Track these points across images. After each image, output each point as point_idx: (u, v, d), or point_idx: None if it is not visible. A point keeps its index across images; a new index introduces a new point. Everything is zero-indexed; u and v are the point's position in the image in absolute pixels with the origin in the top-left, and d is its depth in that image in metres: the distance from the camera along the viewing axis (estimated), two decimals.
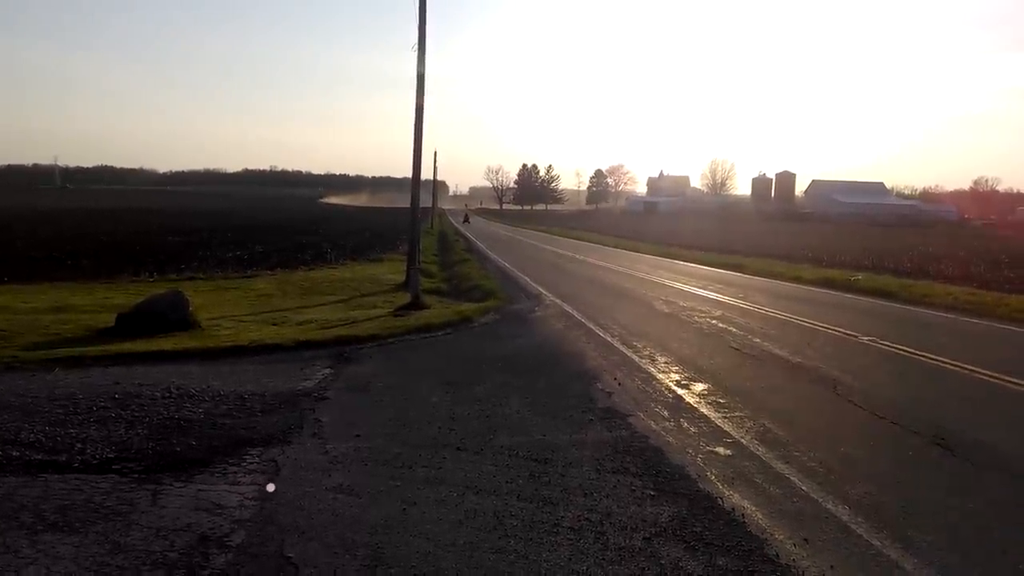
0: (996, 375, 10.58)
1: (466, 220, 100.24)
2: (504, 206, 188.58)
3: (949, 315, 17.68)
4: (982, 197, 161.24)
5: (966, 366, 11.18)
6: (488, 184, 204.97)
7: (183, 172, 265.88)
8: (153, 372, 10.00)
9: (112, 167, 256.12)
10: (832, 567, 4.95)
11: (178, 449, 6.97)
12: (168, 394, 8.78)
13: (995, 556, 5.17)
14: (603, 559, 5.01)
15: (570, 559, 5.00)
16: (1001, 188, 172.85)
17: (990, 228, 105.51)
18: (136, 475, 6.34)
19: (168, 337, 12.62)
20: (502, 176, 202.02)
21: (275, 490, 6.10)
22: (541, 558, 5.01)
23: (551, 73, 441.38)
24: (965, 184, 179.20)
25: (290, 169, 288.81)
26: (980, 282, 24.84)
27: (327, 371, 10.52)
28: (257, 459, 6.83)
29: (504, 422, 8.19)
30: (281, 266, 28.80)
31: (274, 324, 14.93)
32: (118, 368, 10.21)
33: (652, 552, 5.12)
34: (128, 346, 11.68)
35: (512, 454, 7.11)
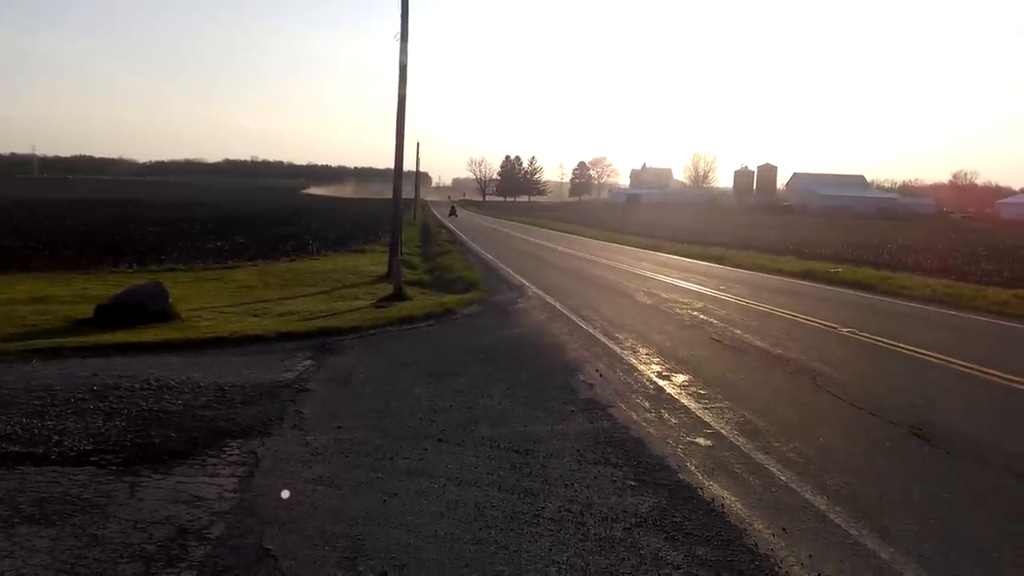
0: (973, 366, 10.70)
1: (452, 213, 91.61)
2: (487, 198, 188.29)
3: (927, 307, 17.87)
4: (961, 190, 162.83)
5: (944, 357, 11.30)
6: (471, 175, 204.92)
7: (163, 162, 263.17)
8: (132, 364, 9.91)
9: (91, 156, 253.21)
10: (810, 556, 4.99)
11: (157, 441, 6.92)
12: (147, 386, 8.71)
13: (971, 544, 5.23)
14: (584, 549, 5.02)
15: (551, 550, 5.02)
16: (980, 181, 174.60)
17: (968, 221, 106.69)
18: (114, 467, 6.28)
19: (148, 328, 12.51)
20: (485, 168, 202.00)
21: (255, 482, 6.07)
22: (522, 549, 5.02)
23: (535, 65, 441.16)
24: (944, 177, 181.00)
25: (271, 160, 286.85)
26: (958, 274, 25.11)
27: (308, 362, 10.47)
28: (237, 451, 6.79)
29: (486, 413, 8.19)
30: (262, 257, 28.61)
31: (255, 315, 14.84)
32: (97, 359, 10.12)
33: (632, 542, 5.14)
34: (107, 337, 11.57)
35: (494, 445, 7.12)
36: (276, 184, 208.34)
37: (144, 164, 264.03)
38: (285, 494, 5.88)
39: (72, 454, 6.53)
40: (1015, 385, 9.72)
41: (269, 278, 22.33)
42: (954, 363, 10.95)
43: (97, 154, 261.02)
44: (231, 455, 6.69)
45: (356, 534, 5.18)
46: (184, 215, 55.79)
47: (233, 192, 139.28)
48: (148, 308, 13.37)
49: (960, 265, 28.33)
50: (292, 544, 5.02)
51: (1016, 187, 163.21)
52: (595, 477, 6.35)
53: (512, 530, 5.30)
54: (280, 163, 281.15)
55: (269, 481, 6.10)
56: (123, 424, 7.35)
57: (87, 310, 13.60)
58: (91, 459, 6.44)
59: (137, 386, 8.67)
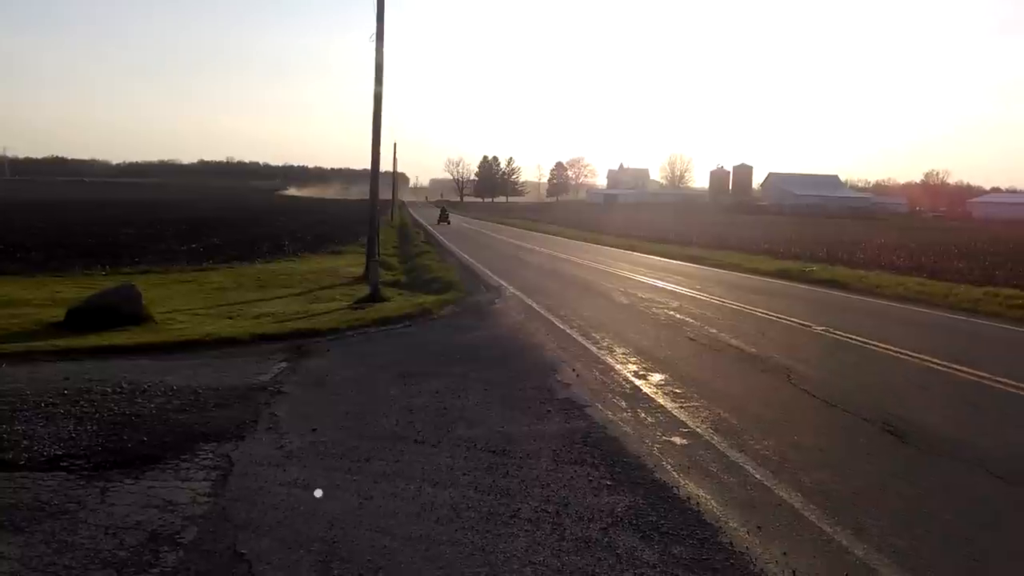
0: (945, 363, 10.83)
1: (443, 219, 70.47)
2: (465, 198, 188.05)
3: (900, 305, 18.08)
4: (933, 190, 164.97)
5: (916, 354, 11.43)
6: (449, 176, 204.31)
7: (137, 163, 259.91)
8: (104, 367, 9.79)
9: (63, 158, 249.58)
10: (785, 554, 5.02)
11: (129, 445, 6.84)
12: (119, 389, 8.60)
13: (942, 539, 5.29)
14: (560, 549, 5.02)
15: (527, 550, 5.01)
16: (951, 181, 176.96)
17: (940, 220, 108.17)
18: (85, 472, 6.20)
19: (120, 331, 12.36)
20: (463, 168, 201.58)
21: (229, 486, 6.01)
22: (498, 549, 5.01)
23: (512, 66, 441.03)
24: (916, 177, 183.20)
25: (247, 160, 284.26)
26: (930, 273, 25.40)
27: (283, 365, 10.40)
28: (211, 455, 6.73)
29: (462, 414, 8.18)
30: (237, 259, 28.38)
31: (229, 318, 14.71)
32: (68, 363, 9.98)
33: (608, 542, 5.15)
34: (78, 341, 11.41)
35: (470, 446, 7.10)
36: (253, 185, 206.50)
37: (118, 165, 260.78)
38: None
39: (42, 459, 6.44)
40: (985, 381, 9.85)
41: (244, 280, 22.15)
42: (926, 360, 11.08)
43: (70, 155, 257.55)
44: (204, 459, 6.62)
45: (331, 537, 5.14)
46: (158, 217, 55.21)
47: (208, 193, 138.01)
48: (121, 311, 13.21)
49: (932, 263, 28.68)
50: (266, 548, 4.97)
51: (987, 187, 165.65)
52: (571, 477, 6.36)
53: (488, 531, 5.29)
54: (256, 164, 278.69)
55: (243, 485, 6.05)
56: (94, 428, 7.25)
57: (59, 313, 13.42)
58: (62, 464, 6.35)
59: (109, 390, 8.56)
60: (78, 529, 5.17)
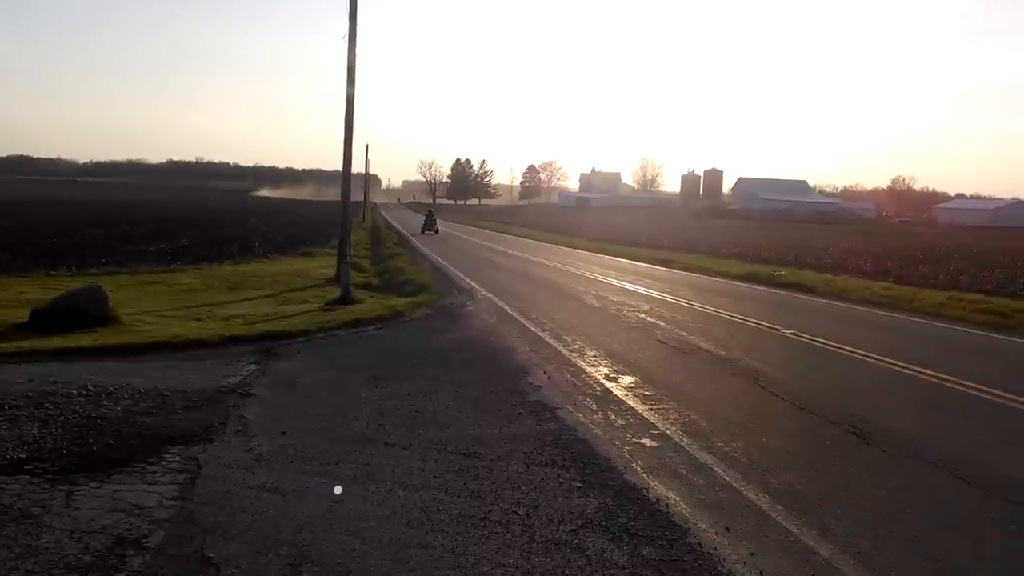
0: (909, 366, 11.02)
1: (429, 227, 56.03)
2: (437, 200, 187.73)
3: (866, 309, 18.35)
4: (899, 195, 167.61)
5: (881, 357, 11.61)
6: (421, 178, 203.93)
7: (104, 163, 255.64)
8: (69, 369, 9.64)
9: (28, 156, 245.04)
10: (752, 554, 5.08)
11: (95, 448, 6.75)
12: (85, 392, 8.48)
13: (905, 539, 5.39)
14: (530, 551, 5.04)
15: (497, 552, 5.02)
16: (917, 187, 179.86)
17: (906, 225, 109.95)
18: (49, 476, 6.11)
19: (86, 333, 12.18)
20: (435, 170, 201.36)
21: (196, 489, 5.95)
22: (468, 552, 5.01)
23: (486, 69, 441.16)
24: (883, 182, 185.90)
25: (217, 161, 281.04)
26: (896, 277, 25.82)
27: (253, 367, 10.31)
28: (178, 458, 6.66)
29: (433, 417, 8.17)
30: (207, 260, 28.07)
31: (198, 319, 14.56)
32: (32, 365, 9.82)
33: (578, 544, 5.18)
34: (43, 342, 11.23)
35: (441, 449, 7.10)
36: (223, 186, 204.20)
37: (84, 164, 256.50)
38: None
39: (5, 462, 6.33)
40: (948, 384, 10.03)
41: (213, 281, 21.93)
42: (891, 363, 11.26)
43: (35, 154, 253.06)
44: (172, 462, 6.55)
45: (301, 541, 5.11)
46: (126, 217, 54.46)
47: (177, 193, 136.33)
48: (87, 312, 13.02)
49: (898, 268, 29.14)
50: (234, 552, 4.93)
51: (952, 192, 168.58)
52: (542, 479, 6.38)
53: (459, 533, 5.29)
54: (226, 164, 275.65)
55: (211, 488, 5.99)
56: (59, 431, 7.15)
57: (23, 314, 13.19)
58: (25, 467, 6.25)
59: (74, 392, 8.43)
60: (42, 533, 5.09)
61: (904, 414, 8.74)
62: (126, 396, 8.44)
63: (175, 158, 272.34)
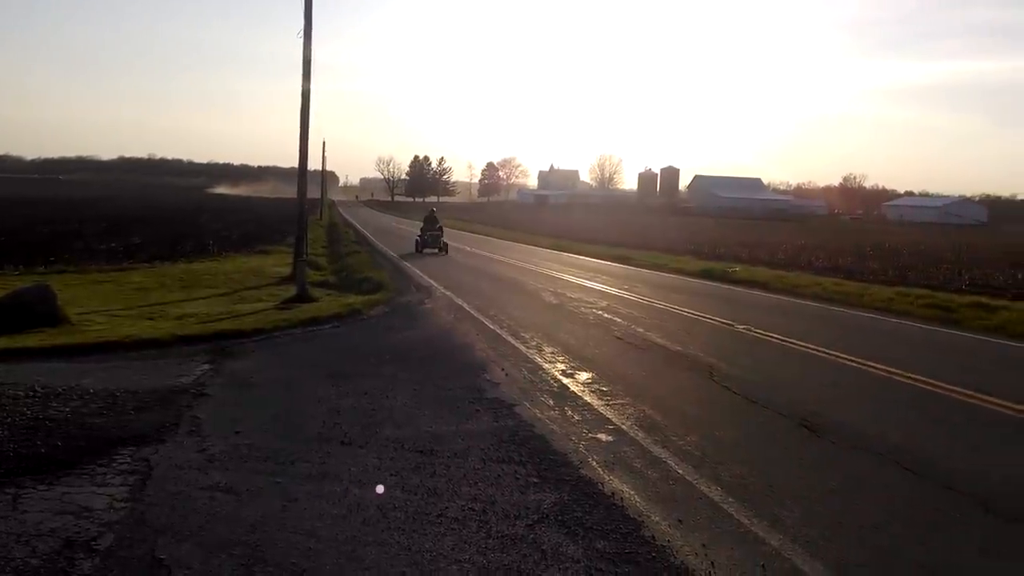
0: (858, 360, 11.27)
1: (431, 244, 34.04)
2: (396, 198, 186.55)
3: (818, 304, 18.72)
4: (850, 193, 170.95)
5: (831, 352, 11.86)
6: (380, 175, 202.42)
7: (53, 159, 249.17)
8: (16, 370, 9.41)
9: None
10: (704, 545, 5.17)
11: (43, 451, 6.60)
12: (32, 393, 8.29)
13: (852, 528, 5.51)
14: (486, 547, 5.06)
15: (453, 549, 5.03)
16: (868, 184, 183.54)
17: (857, 222, 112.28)
18: None
19: (33, 333, 11.91)
20: (394, 167, 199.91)
21: (147, 490, 5.87)
22: (424, 549, 5.02)
23: (444, 65, 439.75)
24: (835, 180, 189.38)
25: (170, 157, 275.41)
26: (846, 273, 26.37)
27: (206, 366, 10.17)
28: (129, 459, 6.55)
29: (391, 415, 8.15)
30: (159, 258, 27.58)
31: (150, 318, 14.31)
32: None
33: (534, 539, 5.21)
34: None
35: (398, 446, 7.09)
36: (177, 183, 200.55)
37: (32, 161, 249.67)
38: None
39: None
40: (896, 378, 10.28)
41: (166, 280, 21.57)
42: (841, 357, 11.50)
43: None
44: (122, 464, 6.44)
45: (254, 541, 5.07)
46: (76, 214, 53.26)
47: (129, 190, 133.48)
48: (34, 311, 12.72)
49: (849, 264, 29.77)
50: (186, 553, 4.87)
51: (901, 190, 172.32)
52: (499, 475, 6.41)
53: (415, 531, 5.29)
54: (179, 161, 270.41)
55: (163, 489, 5.91)
56: (5, 433, 6.97)
57: None
58: None
59: (21, 394, 8.23)
60: None
61: (854, 407, 8.94)
62: (75, 397, 8.26)
63: (127, 155, 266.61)
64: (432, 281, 21.73)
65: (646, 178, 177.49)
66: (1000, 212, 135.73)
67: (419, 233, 34.75)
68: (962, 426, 8.33)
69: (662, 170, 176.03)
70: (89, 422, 7.47)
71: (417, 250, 33.43)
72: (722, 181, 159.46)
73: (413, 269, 25.74)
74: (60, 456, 6.50)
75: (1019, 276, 25.54)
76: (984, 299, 18.72)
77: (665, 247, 38.36)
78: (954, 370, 10.87)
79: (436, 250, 33.42)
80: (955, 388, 9.64)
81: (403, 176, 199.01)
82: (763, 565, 4.93)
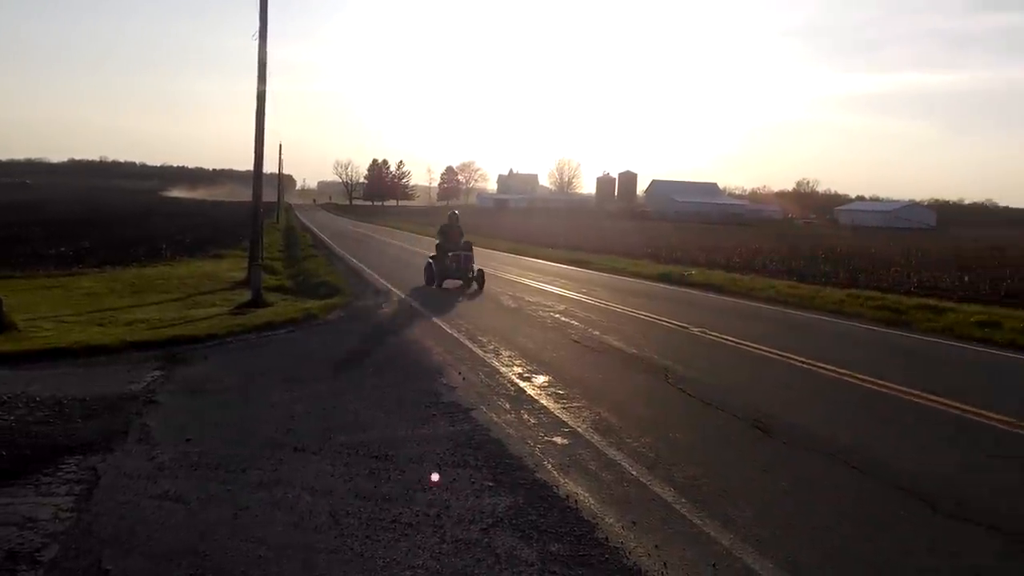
0: (811, 361, 11.47)
1: (456, 274, 21.01)
2: (354, 201, 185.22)
3: (772, 307, 19.02)
4: (804, 197, 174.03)
5: (784, 354, 12.05)
6: (338, 179, 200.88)
7: (1, 162, 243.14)
8: None
9: None
10: (657, 546, 5.21)
11: None
12: None
13: (806, 529, 5.61)
14: (440, 552, 5.05)
15: (407, 554, 5.01)
16: (820, 189, 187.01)
17: (809, 226, 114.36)
18: None
19: None
20: (352, 171, 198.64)
21: (94, 500, 5.74)
22: (377, 555, 4.99)
23: (405, 68, 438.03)
24: (789, 185, 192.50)
25: (122, 160, 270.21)
26: (799, 276, 26.82)
27: (157, 373, 9.99)
28: (75, 468, 6.41)
29: (345, 420, 8.09)
30: (111, 263, 27.03)
31: (100, 324, 14.01)
32: None
33: (488, 543, 5.21)
34: None
35: (352, 452, 7.03)
36: (128, 185, 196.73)
37: None
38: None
39: None
40: (847, 379, 10.48)
41: (117, 285, 21.15)
42: (794, 359, 11.70)
43: None
44: (68, 472, 6.30)
45: (204, 550, 4.99)
46: (23, 218, 51.93)
47: (80, 193, 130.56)
48: None
49: (802, 268, 30.29)
50: (134, 564, 4.78)
51: (852, 195, 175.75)
52: (454, 480, 6.39)
53: (368, 537, 5.26)
54: (132, 163, 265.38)
55: (110, 499, 5.79)
56: None
57: None
58: None
59: None
60: None
61: (806, 409, 9.10)
62: (21, 405, 8.06)
63: (77, 157, 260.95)
64: (390, 285, 21.60)
65: (604, 182, 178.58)
66: (948, 216, 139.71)
67: (432, 256, 21.39)
68: (911, 426, 8.51)
69: (620, 175, 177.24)
70: (35, 430, 7.30)
71: (432, 283, 20.86)
72: (679, 186, 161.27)
73: (372, 274, 25.56)
74: (3, 465, 6.34)
75: (965, 279, 26.23)
76: (932, 301, 19.21)
77: (624, 251, 38.63)
78: (903, 371, 11.12)
79: (470, 281, 20.98)
80: (903, 388, 9.86)
81: (361, 180, 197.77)
82: (714, 565, 4.99)
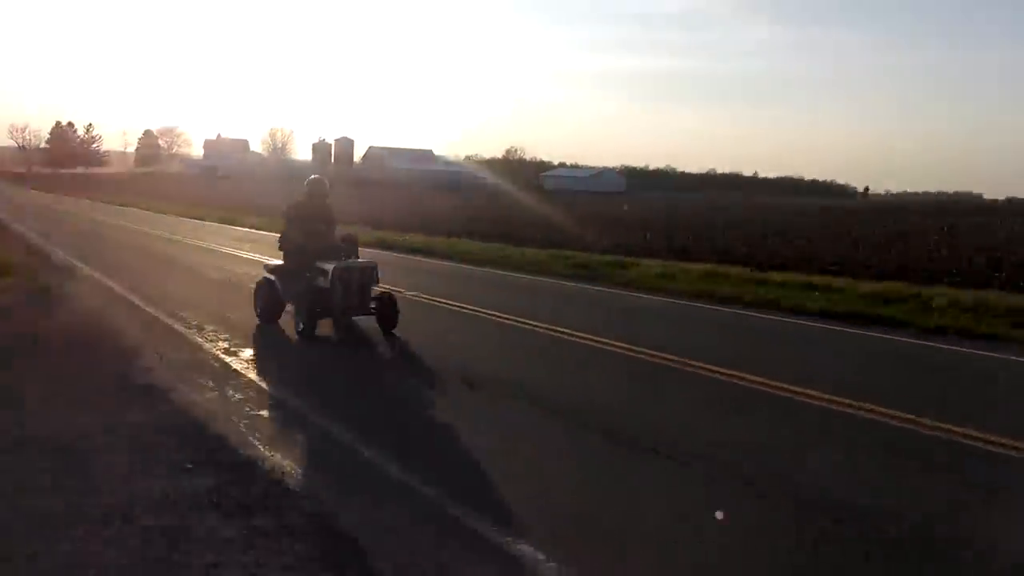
0: (513, 317, 12.23)
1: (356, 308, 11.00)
2: (34, 169, 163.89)
3: (482, 269, 19.97)
4: (512, 164, 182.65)
5: (485, 311, 12.72)
6: (14, 144, 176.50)
7: None
8: None
9: None
10: (364, 506, 5.32)
11: None
12: None
13: (513, 476, 6.02)
14: (131, 545, 4.73)
15: (94, 553, 4.62)
16: (527, 157, 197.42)
17: (522, 193, 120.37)
18: None
19: None
20: (30, 135, 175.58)
21: None
22: (61, 553, 4.56)
23: (93, 24, 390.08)
24: (499, 152, 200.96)
25: None
26: (513, 240, 28.33)
27: None
28: None
29: (24, 413, 7.21)
30: None
31: None
32: None
33: (186, 527, 4.97)
34: None
35: (34, 447, 6.32)
36: None
37: None
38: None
39: None
40: (556, 334, 11.32)
41: None
42: (495, 315, 12.44)
43: None
44: None
45: None
46: None
47: None
48: None
49: (511, 231, 31.98)
50: None
51: (555, 162, 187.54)
52: (148, 465, 5.99)
53: (46, 537, 4.78)
54: None
55: None
56: None
57: None
58: None
59: None
60: None
61: (510, 362, 9.74)
62: None
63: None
64: (76, 261, 19.49)
65: (320, 148, 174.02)
66: (635, 180, 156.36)
67: (274, 267, 12.22)
68: (584, 364, 9.48)
69: (336, 140, 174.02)
70: None
71: (267, 321, 11.73)
72: (395, 152, 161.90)
73: (55, 249, 22.89)
74: None
75: (647, 237, 29.28)
76: (622, 258, 21.33)
77: (340, 217, 38.08)
78: (585, 319, 12.35)
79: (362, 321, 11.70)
80: (581, 334, 11.00)
81: (43, 145, 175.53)
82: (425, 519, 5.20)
